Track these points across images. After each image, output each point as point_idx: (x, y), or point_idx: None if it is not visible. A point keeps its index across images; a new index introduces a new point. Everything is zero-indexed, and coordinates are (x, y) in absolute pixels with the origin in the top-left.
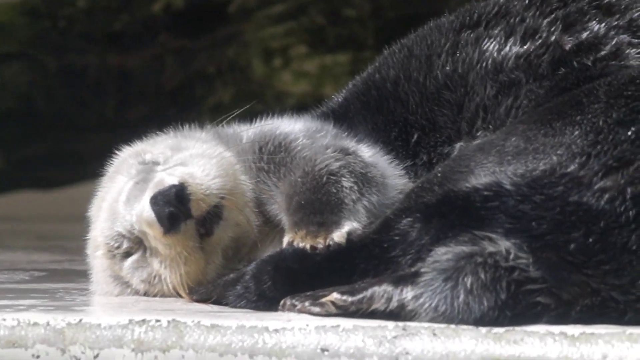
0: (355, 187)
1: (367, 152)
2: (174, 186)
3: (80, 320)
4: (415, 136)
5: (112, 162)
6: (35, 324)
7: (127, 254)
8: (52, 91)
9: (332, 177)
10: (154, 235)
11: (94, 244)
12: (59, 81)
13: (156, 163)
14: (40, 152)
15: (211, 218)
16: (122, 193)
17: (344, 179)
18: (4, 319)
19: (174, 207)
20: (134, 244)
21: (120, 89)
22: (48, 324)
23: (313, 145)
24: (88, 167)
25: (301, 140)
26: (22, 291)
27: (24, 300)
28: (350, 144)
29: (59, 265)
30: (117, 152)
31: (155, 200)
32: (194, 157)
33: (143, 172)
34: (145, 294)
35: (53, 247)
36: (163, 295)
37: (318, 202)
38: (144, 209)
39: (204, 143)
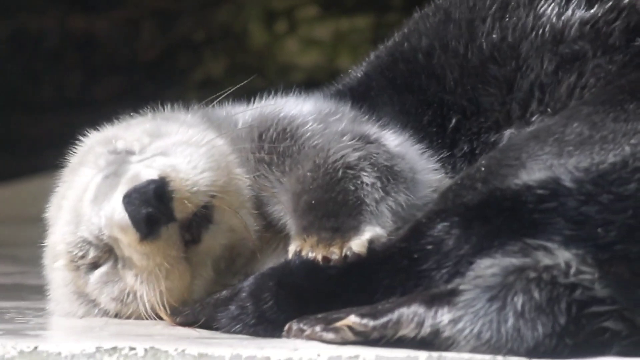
0: (379, 184)
1: (393, 140)
2: (152, 181)
3: (36, 347)
4: (454, 121)
5: (75, 150)
6: None
7: (94, 266)
8: (1, 62)
9: (349, 171)
10: (128, 242)
11: (52, 253)
12: (9, 49)
13: (130, 152)
14: None
15: (199, 221)
16: (88, 190)
17: (364, 174)
18: None
19: (152, 207)
20: (103, 253)
21: (85, 59)
22: None
23: (326, 132)
24: (45, 157)
25: (311, 125)
26: None
27: None
28: (372, 129)
29: (8, 279)
30: (81, 137)
31: (129, 199)
32: (177, 145)
33: (114, 163)
34: (117, 315)
35: (1, 256)
36: (139, 317)
37: (332, 202)
38: (115, 209)
39: (190, 128)
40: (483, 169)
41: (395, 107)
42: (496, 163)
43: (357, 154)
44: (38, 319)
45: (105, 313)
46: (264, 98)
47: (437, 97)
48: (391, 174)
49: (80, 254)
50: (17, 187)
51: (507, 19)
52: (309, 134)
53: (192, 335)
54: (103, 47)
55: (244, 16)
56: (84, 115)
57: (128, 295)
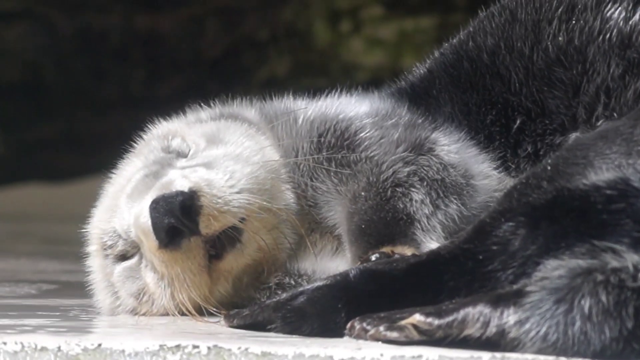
0: (428, 199)
1: (448, 144)
2: (181, 193)
3: (99, 345)
4: (518, 121)
5: (140, 139)
6: (44, 349)
7: (122, 258)
8: (65, 59)
9: (398, 189)
10: (149, 247)
11: (89, 236)
12: (73, 47)
13: (181, 154)
14: (49, 135)
15: (225, 239)
16: (129, 183)
17: (414, 190)
18: (5, 343)
19: (175, 219)
20: (131, 248)
21: (149, 57)
22: (59, 349)
23: (382, 141)
24: (108, 154)
25: (368, 132)
26: (27, 308)
27: (30, 320)
28: (426, 135)
29: (71, 277)
30: (143, 132)
31: (155, 206)
32: (227, 157)
33: (160, 162)
34: (133, 311)
35: (64, 253)
36: (152, 315)
37: (383, 224)
38: (142, 212)
39: (249, 138)
40: (549, 168)
41: (456, 105)
42: (563, 162)
43: (407, 170)
44: (102, 317)
45: (124, 308)
46: (325, 97)
47: (501, 98)
48: (441, 187)
49: (110, 243)
50: (81, 183)
51: (573, 22)
52: (366, 143)
53: (255, 334)
54: (167, 45)
55: (309, 15)
56: (148, 112)
57: (144, 295)
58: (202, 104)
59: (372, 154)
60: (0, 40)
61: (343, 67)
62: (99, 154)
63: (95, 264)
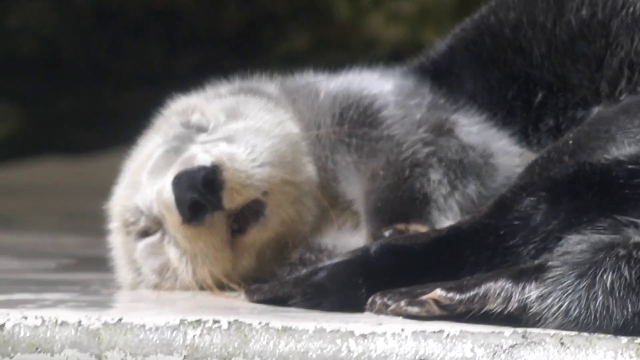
0: (445, 180)
1: (467, 124)
2: (203, 168)
3: (120, 319)
4: (540, 96)
5: (156, 119)
6: (64, 323)
7: (144, 234)
8: (84, 35)
9: (416, 169)
10: (172, 222)
11: (110, 213)
12: (92, 23)
13: (201, 129)
14: (68, 110)
15: (248, 213)
16: (151, 159)
17: (432, 170)
18: (25, 317)
19: (198, 193)
20: (153, 224)
21: (168, 33)
22: (80, 323)
23: (404, 120)
24: (127, 129)
25: (391, 111)
26: (47, 282)
27: (50, 294)
28: (447, 116)
29: (92, 251)
30: (162, 108)
31: (178, 181)
32: (247, 131)
33: (181, 138)
34: (155, 287)
35: (84, 227)
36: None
37: (398, 202)
38: (164, 188)
39: (268, 112)
40: (571, 142)
41: (478, 81)
42: (585, 136)
43: (426, 150)
44: (122, 291)
45: (147, 284)
46: (347, 72)
47: (523, 72)
48: (460, 168)
49: (133, 219)
50: (101, 159)
51: None
52: (389, 121)
53: (276, 309)
54: (186, 21)
55: None
56: (167, 88)
57: (167, 270)
58: (221, 79)
59: (393, 132)
60: (19, 16)
61: (363, 41)
62: (118, 130)
63: (117, 240)
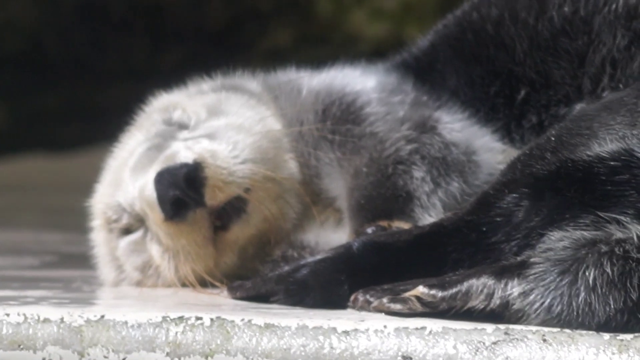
0: (428, 177)
1: (450, 122)
2: (185, 165)
3: (102, 316)
4: (523, 92)
5: (138, 115)
6: (47, 320)
7: (126, 231)
8: (67, 31)
9: (399, 166)
10: (154, 220)
11: (93, 211)
12: (75, 19)
13: (183, 126)
14: (51, 106)
15: (231, 210)
16: (132, 156)
17: (415, 168)
18: (7, 314)
19: (180, 191)
20: (135, 222)
21: (151, 28)
22: (62, 320)
23: (387, 118)
24: (110, 125)
25: (374, 107)
26: (29, 279)
27: (32, 291)
28: (430, 113)
29: (74, 248)
30: (145, 104)
31: (160, 178)
32: (229, 128)
33: (163, 135)
34: (137, 285)
35: (67, 224)
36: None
37: (381, 199)
38: (146, 185)
39: (250, 109)
40: (553, 139)
41: (461, 77)
42: (567, 133)
43: (409, 147)
44: (104, 288)
45: (129, 281)
46: (329, 68)
47: (505, 69)
48: (443, 165)
49: (115, 217)
50: (83, 155)
51: None
52: (372, 118)
53: (259, 305)
54: (169, 16)
55: None
56: (151, 84)
57: (149, 268)
58: (204, 76)
59: (376, 129)
60: (2, 11)
61: (346, 38)
62: (101, 125)
63: (100, 238)
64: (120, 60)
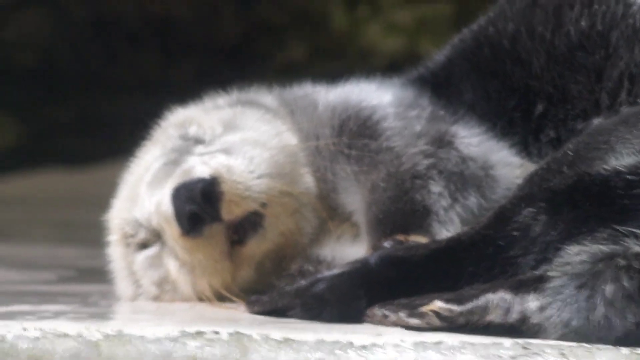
0: (446, 192)
1: (468, 136)
2: (202, 180)
3: (120, 331)
4: (540, 107)
5: (153, 130)
6: (65, 335)
7: (143, 246)
8: (80, 46)
9: (417, 180)
10: (171, 234)
11: (109, 226)
12: (88, 33)
13: (199, 141)
14: (64, 121)
15: (247, 224)
16: (149, 171)
17: (432, 182)
18: (25, 329)
19: (197, 205)
20: (152, 236)
21: (164, 42)
22: (80, 335)
23: (404, 132)
24: (123, 139)
25: (391, 122)
26: (46, 294)
27: (50, 306)
28: (447, 128)
29: (91, 262)
30: (160, 118)
31: (176, 193)
32: (245, 143)
33: (179, 150)
34: (155, 299)
35: (82, 238)
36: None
37: (399, 214)
38: (163, 200)
39: (266, 123)
40: (570, 153)
41: (478, 92)
42: (584, 147)
43: (426, 162)
44: (122, 303)
45: (147, 296)
46: (345, 83)
47: (522, 83)
48: (460, 180)
49: (132, 232)
50: (97, 169)
51: (596, 6)
52: (388, 133)
53: (276, 320)
54: (181, 30)
55: (326, 0)
56: (163, 98)
57: (167, 282)
58: (218, 90)
59: (393, 144)
60: (15, 26)
61: (360, 52)
62: (114, 139)
63: (117, 253)
64: (133, 74)
